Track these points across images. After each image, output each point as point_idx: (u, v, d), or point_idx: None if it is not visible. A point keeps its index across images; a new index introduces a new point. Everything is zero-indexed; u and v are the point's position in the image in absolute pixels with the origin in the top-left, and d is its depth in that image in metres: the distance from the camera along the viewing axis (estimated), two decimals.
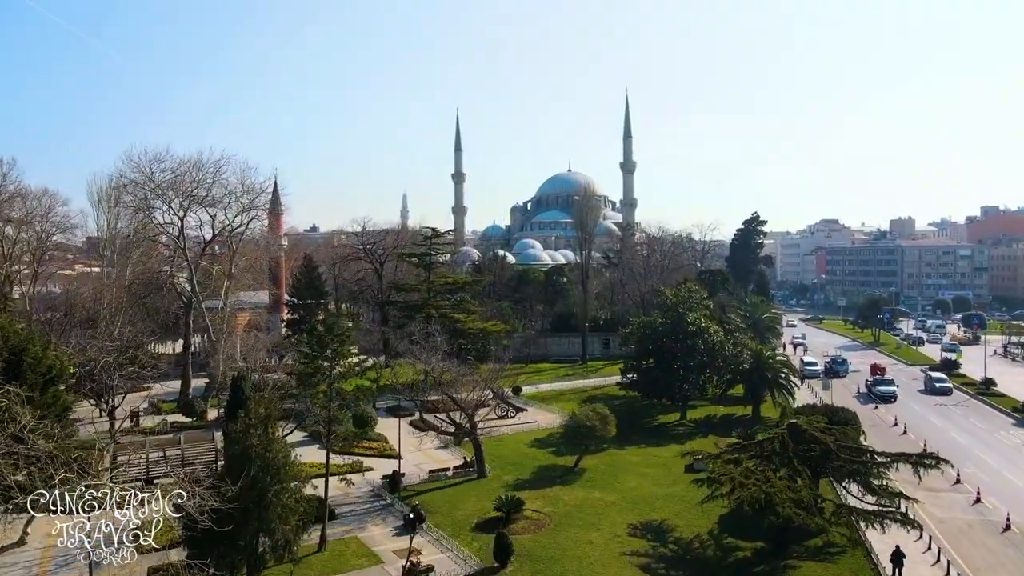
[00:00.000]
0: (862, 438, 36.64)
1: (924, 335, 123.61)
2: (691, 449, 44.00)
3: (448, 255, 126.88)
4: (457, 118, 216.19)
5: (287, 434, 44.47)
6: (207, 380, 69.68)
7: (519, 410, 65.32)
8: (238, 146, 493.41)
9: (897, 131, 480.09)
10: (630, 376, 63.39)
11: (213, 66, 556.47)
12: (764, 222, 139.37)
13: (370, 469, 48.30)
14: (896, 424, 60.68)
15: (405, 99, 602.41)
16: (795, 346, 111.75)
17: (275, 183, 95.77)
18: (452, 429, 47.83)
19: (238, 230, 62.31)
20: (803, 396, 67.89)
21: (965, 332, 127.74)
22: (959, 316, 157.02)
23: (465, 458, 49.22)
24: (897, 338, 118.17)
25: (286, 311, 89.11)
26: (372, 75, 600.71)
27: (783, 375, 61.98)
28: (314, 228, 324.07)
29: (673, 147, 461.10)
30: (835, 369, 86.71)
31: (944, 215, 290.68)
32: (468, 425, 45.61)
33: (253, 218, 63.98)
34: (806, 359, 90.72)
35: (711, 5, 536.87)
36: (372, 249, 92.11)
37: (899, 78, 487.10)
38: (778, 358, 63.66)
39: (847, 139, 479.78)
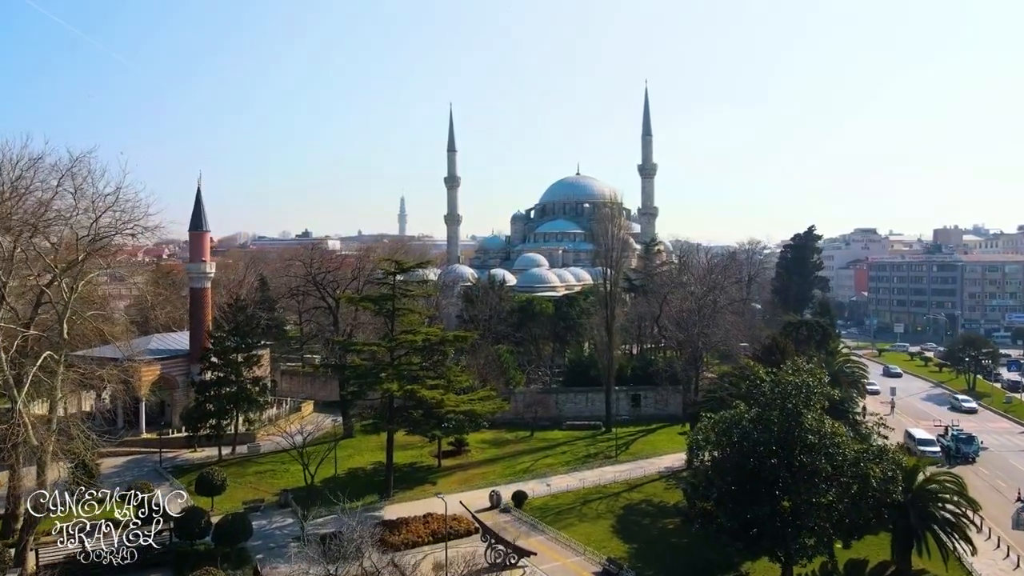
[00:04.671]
0: None
1: (1021, 378, 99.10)
2: None
3: (433, 275, 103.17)
4: (451, 114, 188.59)
5: None
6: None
7: (523, 554, 41.27)
8: (236, 146, 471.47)
9: (919, 135, 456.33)
10: (701, 506, 38.99)
11: (211, 67, 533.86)
12: (819, 236, 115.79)
13: None
14: None
15: (403, 97, 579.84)
16: (868, 393, 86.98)
17: (197, 193, 71.83)
18: None
19: (70, 269, 37.88)
20: None
21: None
22: None
23: None
24: (1005, 390, 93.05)
25: (206, 366, 64.88)
26: (371, 74, 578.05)
27: (958, 513, 37.71)
28: (306, 233, 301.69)
29: (672, 149, 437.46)
30: (962, 451, 62.00)
31: (977, 222, 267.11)
32: None
33: (99, 248, 39.64)
34: (916, 434, 65.67)
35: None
36: (324, 282, 66.95)
37: (932, 72, 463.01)
38: (947, 483, 38.94)
39: (866, 142, 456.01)
